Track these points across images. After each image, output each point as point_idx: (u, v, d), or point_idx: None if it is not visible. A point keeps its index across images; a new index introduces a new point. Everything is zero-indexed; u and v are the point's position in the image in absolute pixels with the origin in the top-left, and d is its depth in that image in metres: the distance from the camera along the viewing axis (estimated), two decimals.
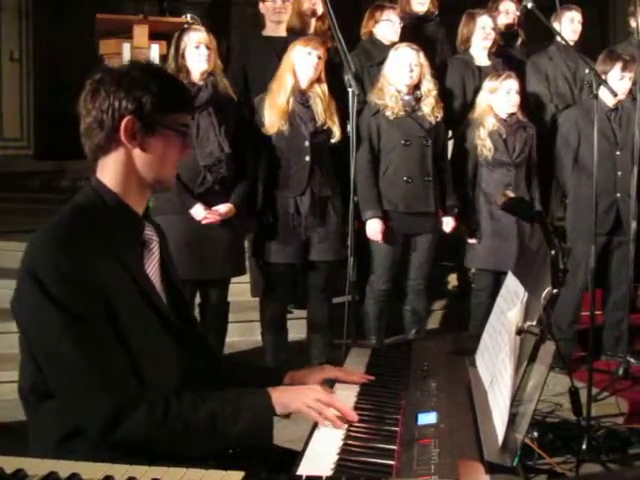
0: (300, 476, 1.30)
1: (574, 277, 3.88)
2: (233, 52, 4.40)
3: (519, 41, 4.91)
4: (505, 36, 4.76)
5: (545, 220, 1.81)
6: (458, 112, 4.37)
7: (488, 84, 4.05)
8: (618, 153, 3.99)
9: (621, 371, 3.84)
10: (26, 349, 1.52)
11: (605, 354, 4.16)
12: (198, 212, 3.50)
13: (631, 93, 4.01)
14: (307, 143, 3.66)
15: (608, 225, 3.99)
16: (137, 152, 1.57)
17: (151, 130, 1.56)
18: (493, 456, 1.33)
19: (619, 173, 3.97)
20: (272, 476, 1.30)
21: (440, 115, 3.96)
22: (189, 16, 4.11)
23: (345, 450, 1.44)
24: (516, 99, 4.01)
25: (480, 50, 4.46)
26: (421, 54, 3.89)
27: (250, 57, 4.16)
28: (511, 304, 1.67)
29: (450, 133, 4.38)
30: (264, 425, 1.52)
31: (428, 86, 3.91)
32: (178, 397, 1.50)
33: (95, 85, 1.56)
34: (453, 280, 5.00)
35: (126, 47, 3.86)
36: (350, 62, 2.87)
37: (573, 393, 1.90)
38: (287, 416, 1.61)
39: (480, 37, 4.42)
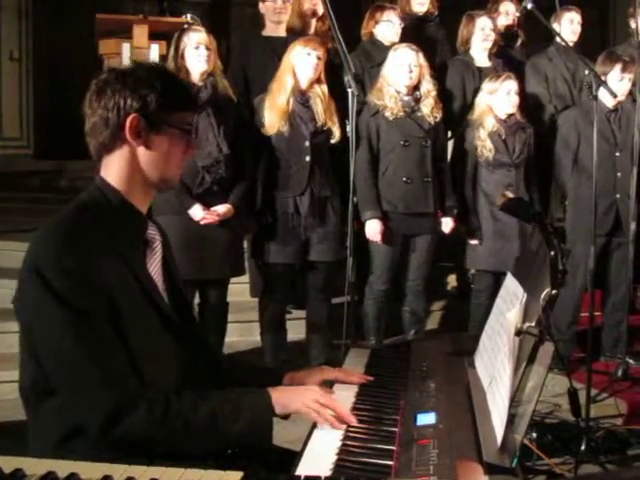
0: (299, 476, 1.30)
1: (573, 278, 3.88)
2: (233, 52, 4.39)
3: (519, 42, 4.92)
4: (505, 37, 4.76)
5: (544, 221, 1.81)
6: (458, 113, 4.38)
7: (488, 85, 4.05)
8: (618, 154, 3.98)
9: (620, 372, 3.83)
10: (26, 348, 1.52)
11: (604, 355, 4.16)
12: (197, 212, 3.50)
13: (631, 94, 4.00)
14: (307, 143, 3.66)
15: (607, 226, 3.99)
16: (142, 150, 1.57)
17: (156, 128, 1.57)
18: (492, 457, 1.33)
19: (619, 174, 3.96)
20: (271, 476, 1.31)
21: (439, 116, 3.96)
22: (189, 16, 4.12)
23: (344, 450, 1.44)
24: (516, 100, 4.02)
25: (480, 51, 4.46)
26: (420, 55, 3.89)
27: (250, 57, 4.15)
28: (510, 305, 1.67)
29: (450, 134, 4.38)
30: (264, 425, 1.52)
31: (427, 87, 3.91)
32: (178, 396, 1.50)
33: (101, 85, 1.57)
34: (452, 281, 5.00)
35: (126, 47, 3.87)
36: (350, 63, 2.86)
37: (572, 394, 1.90)
38: (286, 417, 1.61)
39: (480, 38, 4.43)
